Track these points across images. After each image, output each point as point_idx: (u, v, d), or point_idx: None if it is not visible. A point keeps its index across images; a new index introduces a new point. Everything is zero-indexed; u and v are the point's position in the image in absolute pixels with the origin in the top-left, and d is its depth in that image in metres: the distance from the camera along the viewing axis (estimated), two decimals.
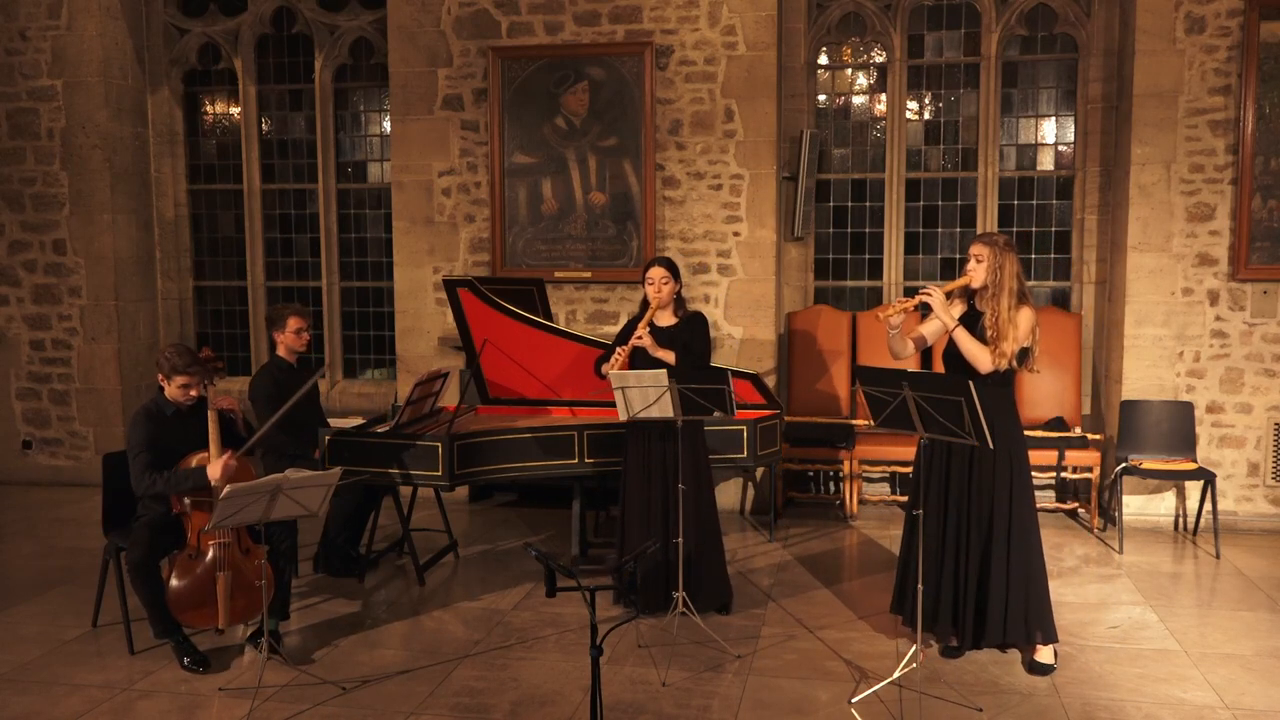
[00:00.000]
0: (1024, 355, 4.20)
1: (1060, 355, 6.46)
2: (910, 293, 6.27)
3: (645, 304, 4.78)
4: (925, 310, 4.27)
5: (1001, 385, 4.19)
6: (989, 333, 4.14)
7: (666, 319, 4.80)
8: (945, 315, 4.18)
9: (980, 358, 4.12)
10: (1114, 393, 6.43)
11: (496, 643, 4.58)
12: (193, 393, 4.40)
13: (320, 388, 5.94)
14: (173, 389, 4.40)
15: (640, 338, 4.66)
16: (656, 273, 4.70)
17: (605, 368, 4.70)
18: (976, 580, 4.20)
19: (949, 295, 4.27)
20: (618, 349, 4.71)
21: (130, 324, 7.49)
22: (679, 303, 4.82)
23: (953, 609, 4.25)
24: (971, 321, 4.22)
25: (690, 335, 4.75)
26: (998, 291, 4.14)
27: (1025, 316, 4.14)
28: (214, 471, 4.24)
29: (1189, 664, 4.32)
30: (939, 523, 4.24)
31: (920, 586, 4.10)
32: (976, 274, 4.19)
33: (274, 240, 7.82)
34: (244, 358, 7.89)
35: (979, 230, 6.89)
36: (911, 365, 6.58)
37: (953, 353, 4.25)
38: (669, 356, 4.67)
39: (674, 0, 6.56)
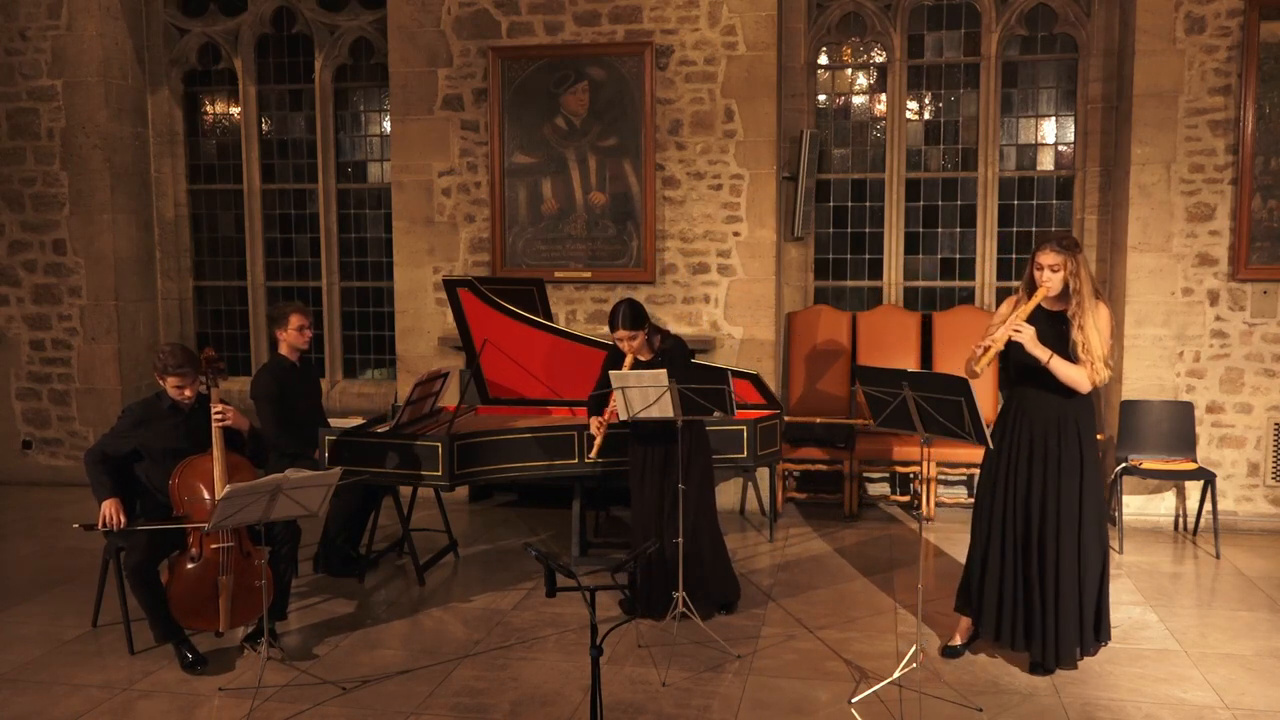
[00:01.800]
0: None
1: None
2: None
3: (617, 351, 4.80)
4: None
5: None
6: (1080, 348, 3.99)
7: (645, 355, 4.80)
8: (1039, 352, 3.98)
9: (1079, 382, 3.99)
10: (1114, 392, 6.42)
11: (496, 643, 4.58)
12: (187, 393, 4.42)
13: (321, 388, 5.95)
14: (168, 387, 4.42)
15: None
16: (620, 334, 4.68)
17: (598, 419, 4.83)
18: (1051, 591, 4.10)
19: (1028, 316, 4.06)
20: (597, 428, 4.80)
21: (130, 324, 7.49)
22: (652, 331, 4.81)
23: (1011, 615, 4.17)
24: (1039, 324, 4.03)
25: (673, 368, 4.71)
26: (1080, 299, 3.99)
27: (1105, 319, 4.03)
28: (101, 510, 4.35)
29: (1189, 664, 4.33)
30: (1001, 524, 4.17)
31: (920, 586, 4.11)
32: (1054, 283, 4.00)
33: (274, 240, 7.82)
34: (244, 358, 7.89)
35: (979, 230, 6.89)
36: (912, 365, 6.63)
37: (1021, 360, 4.06)
38: None
39: (674, 0, 6.57)
